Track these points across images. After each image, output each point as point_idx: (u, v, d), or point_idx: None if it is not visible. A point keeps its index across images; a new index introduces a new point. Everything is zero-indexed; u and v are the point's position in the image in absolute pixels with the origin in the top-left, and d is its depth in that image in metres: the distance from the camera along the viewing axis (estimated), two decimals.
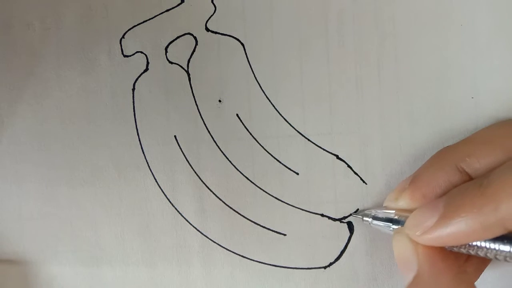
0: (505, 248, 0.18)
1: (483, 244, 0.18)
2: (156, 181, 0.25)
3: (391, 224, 0.22)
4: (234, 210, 0.25)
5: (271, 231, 0.25)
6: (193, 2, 0.25)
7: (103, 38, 0.25)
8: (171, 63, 0.25)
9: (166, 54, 0.25)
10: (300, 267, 0.24)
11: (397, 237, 0.21)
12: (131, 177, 0.25)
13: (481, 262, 0.21)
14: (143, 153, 0.25)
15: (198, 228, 0.25)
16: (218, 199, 0.25)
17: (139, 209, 0.25)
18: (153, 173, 0.25)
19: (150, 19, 0.25)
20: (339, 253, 0.24)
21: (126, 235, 0.25)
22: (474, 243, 0.19)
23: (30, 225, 0.25)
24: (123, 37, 0.25)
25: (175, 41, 0.25)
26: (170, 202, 0.25)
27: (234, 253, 0.25)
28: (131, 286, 0.25)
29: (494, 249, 0.18)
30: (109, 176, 0.25)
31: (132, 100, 0.25)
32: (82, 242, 0.25)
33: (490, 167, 0.19)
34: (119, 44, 0.25)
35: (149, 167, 0.25)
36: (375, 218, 0.23)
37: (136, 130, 0.25)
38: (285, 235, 0.25)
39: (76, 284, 0.25)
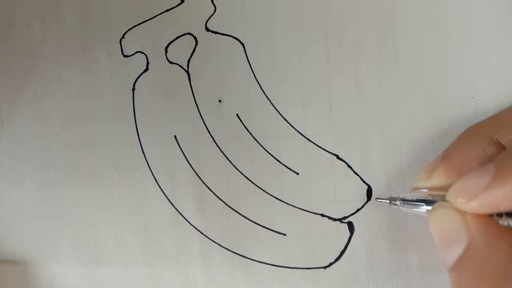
0: None
1: None
2: (156, 181, 0.25)
3: (424, 204, 0.21)
4: (234, 210, 0.25)
5: (271, 231, 0.25)
6: (193, 2, 0.25)
7: (103, 38, 0.25)
8: (171, 63, 0.25)
9: (166, 54, 0.25)
10: (300, 267, 0.24)
11: (438, 212, 0.19)
12: (131, 177, 0.25)
13: None
14: (143, 153, 0.25)
15: (198, 228, 0.25)
16: (218, 199, 0.25)
17: (139, 209, 0.25)
18: (153, 173, 0.25)
19: (150, 19, 0.25)
20: (339, 253, 0.24)
21: (126, 235, 0.25)
22: None
23: (30, 225, 0.25)
24: (123, 37, 0.25)
25: (175, 41, 0.25)
26: (170, 202, 0.25)
27: (234, 253, 0.25)
28: (131, 286, 0.25)
29: None
30: (109, 176, 0.25)
31: (132, 100, 0.25)
32: (82, 242, 0.25)
33: None
34: (119, 44, 0.25)
35: (149, 167, 0.25)
36: (404, 200, 0.22)
37: (136, 130, 0.25)
38: (285, 235, 0.25)
39: (76, 284, 0.25)
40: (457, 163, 0.20)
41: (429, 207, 0.20)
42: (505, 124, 0.20)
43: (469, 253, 0.17)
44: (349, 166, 0.24)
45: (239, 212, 0.25)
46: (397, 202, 0.22)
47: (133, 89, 0.25)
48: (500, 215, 0.18)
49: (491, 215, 0.18)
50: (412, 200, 0.21)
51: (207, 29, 0.25)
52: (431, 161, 0.21)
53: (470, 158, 0.20)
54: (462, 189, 0.18)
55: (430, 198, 0.21)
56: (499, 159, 0.17)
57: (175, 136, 0.25)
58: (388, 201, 0.23)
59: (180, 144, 0.25)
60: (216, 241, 0.25)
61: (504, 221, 0.18)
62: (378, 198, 0.24)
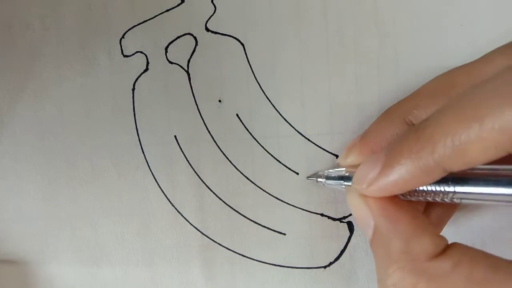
0: (450, 189, 0.18)
1: (429, 188, 0.18)
2: (156, 181, 0.25)
3: (343, 181, 0.22)
4: (234, 210, 0.25)
5: (271, 231, 0.25)
6: (193, 2, 0.25)
7: (103, 38, 0.25)
8: (171, 63, 0.25)
9: (166, 54, 0.25)
10: (300, 266, 0.24)
11: (349, 195, 0.20)
12: (131, 177, 0.25)
13: (441, 209, 0.21)
14: (143, 153, 0.25)
15: (198, 228, 0.25)
16: (218, 198, 0.25)
17: (139, 209, 0.25)
18: (153, 173, 0.25)
19: (150, 19, 0.25)
20: (339, 252, 0.24)
21: (126, 235, 0.25)
22: (421, 189, 0.19)
23: (30, 225, 0.25)
24: (123, 37, 0.25)
25: (175, 41, 0.25)
26: (170, 202, 0.25)
27: (234, 252, 0.25)
28: (131, 286, 0.25)
29: (440, 191, 0.18)
30: (109, 176, 0.25)
31: (132, 100, 0.25)
32: (82, 242, 0.25)
33: None
34: (119, 44, 0.25)
35: (149, 167, 0.25)
36: (328, 178, 0.23)
37: (136, 130, 0.25)
38: (285, 234, 0.25)
39: (76, 284, 0.25)
40: (371, 143, 0.21)
41: (348, 183, 0.21)
42: (417, 104, 0.20)
43: (376, 236, 0.19)
44: None
45: (239, 212, 0.25)
46: (322, 180, 0.23)
47: (133, 89, 0.25)
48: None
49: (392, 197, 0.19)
50: (334, 177, 0.22)
51: (207, 29, 0.25)
52: (351, 140, 0.23)
53: (382, 139, 0.21)
54: (360, 175, 0.19)
55: (347, 174, 0.22)
56: (388, 146, 0.19)
57: (175, 136, 0.25)
58: (315, 178, 0.24)
59: (180, 144, 0.25)
60: (216, 241, 0.25)
61: (406, 197, 0.19)
62: (308, 177, 0.24)
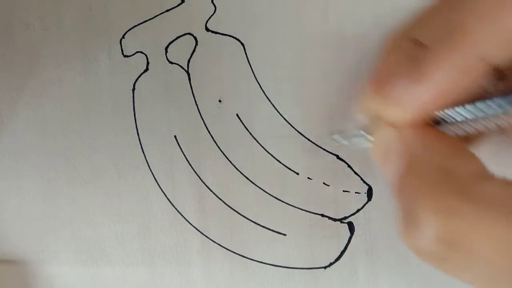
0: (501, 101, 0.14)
1: (473, 109, 0.15)
2: (156, 181, 0.25)
3: (365, 134, 0.20)
4: (234, 210, 0.25)
5: (271, 231, 0.25)
6: (193, 2, 0.25)
7: (103, 38, 0.25)
8: (171, 63, 0.25)
9: (166, 54, 0.25)
10: (300, 267, 0.24)
11: (377, 134, 0.18)
12: (131, 177, 0.25)
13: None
14: (143, 153, 0.25)
15: (198, 228, 0.25)
16: (218, 199, 0.25)
17: (139, 209, 0.25)
18: (153, 173, 0.25)
19: (150, 19, 0.25)
20: (339, 253, 0.24)
21: (126, 235, 0.25)
22: (466, 112, 0.15)
23: (30, 225, 0.25)
24: (123, 37, 0.25)
25: (175, 41, 0.25)
26: (170, 202, 0.25)
27: (234, 253, 0.25)
28: (131, 286, 0.25)
29: (490, 108, 0.15)
30: (109, 176, 0.25)
31: (132, 100, 0.25)
32: (82, 242, 0.25)
33: None
34: (119, 44, 0.25)
35: (149, 167, 0.25)
36: (347, 137, 0.21)
37: (136, 130, 0.25)
38: (285, 235, 0.25)
39: (76, 284, 0.25)
40: (384, 77, 0.17)
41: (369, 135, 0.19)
42: (424, 23, 0.17)
43: (411, 165, 0.16)
44: (349, 166, 0.24)
45: (239, 212, 0.25)
46: (344, 141, 0.21)
47: (133, 89, 0.25)
48: (437, 122, 0.16)
49: (428, 126, 0.16)
50: (355, 135, 0.20)
51: (207, 29, 0.25)
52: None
53: (396, 67, 0.17)
54: (380, 95, 0.16)
55: (368, 123, 0.19)
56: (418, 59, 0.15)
57: (175, 136, 0.25)
58: (339, 140, 0.22)
59: (180, 144, 0.25)
60: (216, 241, 0.25)
61: (442, 128, 0.16)
62: (331, 136, 0.22)
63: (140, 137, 0.25)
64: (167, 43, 0.25)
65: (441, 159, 0.15)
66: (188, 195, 0.25)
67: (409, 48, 0.16)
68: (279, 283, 0.25)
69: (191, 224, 0.25)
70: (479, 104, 0.15)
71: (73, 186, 0.25)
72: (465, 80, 0.15)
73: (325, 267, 0.24)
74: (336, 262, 0.24)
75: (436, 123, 0.16)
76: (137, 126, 0.25)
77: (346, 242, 0.24)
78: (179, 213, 0.25)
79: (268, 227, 0.25)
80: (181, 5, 0.25)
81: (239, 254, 0.25)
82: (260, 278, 0.25)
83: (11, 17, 0.26)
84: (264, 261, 0.25)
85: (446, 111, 0.16)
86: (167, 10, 0.25)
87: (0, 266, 0.25)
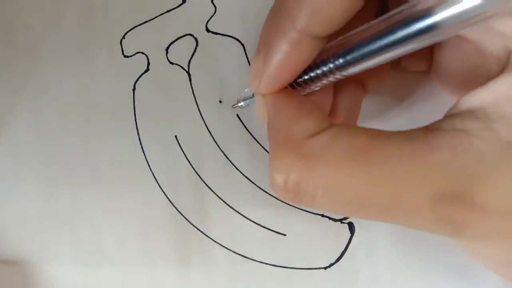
0: (332, 63, 0.17)
1: (315, 73, 0.18)
2: (156, 181, 0.25)
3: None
4: (234, 210, 0.25)
5: (271, 231, 0.25)
6: (194, 3, 0.25)
7: (103, 38, 0.25)
8: (172, 63, 0.25)
9: (166, 55, 0.25)
10: (300, 267, 0.24)
11: (256, 99, 0.20)
12: (131, 177, 0.25)
13: (348, 98, 0.21)
14: (143, 153, 0.25)
15: (198, 228, 0.25)
16: (218, 199, 0.25)
17: (139, 209, 0.25)
18: (153, 173, 0.25)
19: (150, 19, 0.25)
20: (339, 253, 0.24)
21: (126, 235, 0.25)
22: (309, 76, 0.18)
23: (30, 225, 0.25)
24: (123, 37, 0.25)
25: (175, 42, 0.25)
26: (170, 202, 0.25)
27: (234, 252, 0.25)
28: (131, 286, 0.25)
29: (327, 70, 0.18)
30: (109, 176, 0.25)
31: (132, 100, 0.25)
32: (82, 242, 0.25)
33: None
34: (120, 45, 0.25)
35: (149, 167, 0.25)
36: (244, 99, 0.23)
37: (136, 130, 0.25)
38: (285, 235, 0.25)
39: (76, 284, 0.25)
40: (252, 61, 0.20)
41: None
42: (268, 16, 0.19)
43: (268, 126, 0.18)
44: None
45: (239, 212, 0.25)
46: (241, 103, 0.23)
47: (134, 90, 0.25)
48: (301, 82, 0.19)
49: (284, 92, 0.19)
50: (247, 98, 0.22)
51: (208, 30, 0.25)
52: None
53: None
54: (252, 75, 0.19)
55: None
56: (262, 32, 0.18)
57: (175, 136, 0.25)
58: (236, 104, 0.23)
59: (180, 144, 0.25)
60: (216, 241, 0.25)
61: (303, 90, 0.19)
62: (233, 106, 0.24)
63: (140, 137, 0.25)
64: (168, 44, 0.25)
65: (284, 122, 0.18)
66: (189, 195, 0.25)
67: (261, 35, 0.19)
68: (279, 284, 0.24)
69: (191, 224, 0.25)
70: (314, 68, 0.18)
71: (73, 186, 0.25)
72: (297, 52, 0.17)
73: (325, 268, 0.24)
74: (337, 263, 0.24)
75: (299, 84, 0.19)
76: (137, 126, 0.25)
77: (347, 242, 0.24)
78: (180, 213, 0.25)
79: (268, 227, 0.25)
80: (181, 6, 0.25)
81: (239, 254, 0.25)
82: (260, 278, 0.24)
83: (11, 17, 0.26)
84: (264, 261, 0.25)
85: (304, 74, 0.18)
86: (168, 11, 0.25)
87: (0, 266, 0.25)
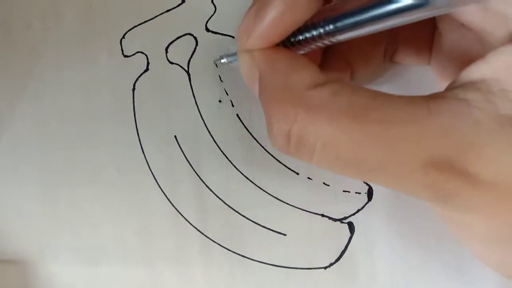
0: (327, 28, 0.17)
1: (309, 35, 0.18)
2: (156, 181, 0.25)
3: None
4: (234, 210, 0.25)
5: (271, 231, 0.25)
6: (193, 3, 0.25)
7: (103, 38, 0.25)
8: (172, 63, 0.25)
9: (166, 55, 0.25)
10: (300, 267, 0.24)
11: (239, 57, 0.20)
12: (131, 177, 0.25)
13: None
14: (143, 153, 0.25)
15: (198, 228, 0.25)
16: (218, 199, 0.25)
17: (139, 209, 0.25)
18: (153, 173, 0.25)
19: (150, 19, 0.25)
20: (339, 253, 0.24)
21: (126, 235, 0.25)
22: (302, 37, 0.18)
23: (30, 225, 0.25)
24: (123, 37, 0.25)
25: (175, 42, 0.25)
26: (170, 202, 0.25)
27: (234, 253, 0.25)
28: (131, 286, 0.25)
29: (319, 34, 0.17)
30: (109, 176, 0.25)
31: (132, 100, 0.25)
32: (82, 242, 0.25)
33: None
34: (120, 44, 0.25)
35: (149, 167, 0.25)
36: (226, 55, 0.22)
37: (136, 130, 0.25)
38: (285, 235, 0.25)
39: (76, 284, 0.25)
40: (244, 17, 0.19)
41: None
42: None
43: (261, 86, 0.18)
44: None
45: (239, 212, 0.25)
46: (225, 60, 0.22)
47: (133, 89, 0.25)
48: (291, 43, 0.19)
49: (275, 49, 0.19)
50: (230, 54, 0.22)
51: (208, 30, 0.25)
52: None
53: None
54: (241, 31, 0.18)
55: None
56: None
57: (175, 136, 0.25)
58: (219, 60, 0.23)
59: (180, 144, 0.25)
60: (216, 241, 0.25)
61: (295, 49, 0.19)
62: (215, 61, 0.24)
63: (140, 137, 0.25)
64: (168, 43, 0.25)
65: (280, 75, 0.17)
66: (188, 195, 0.25)
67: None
68: (279, 284, 0.24)
69: (191, 224, 0.25)
70: (304, 30, 0.18)
71: (73, 186, 0.25)
72: (292, 11, 0.17)
73: (325, 268, 0.24)
74: (336, 263, 0.24)
75: (287, 45, 0.19)
76: (137, 126, 0.25)
77: (346, 242, 0.24)
78: (179, 213, 0.25)
79: (268, 227, 0.25)
80: (181, 6, 0.25)
81: (239, 254, 0.25)
82: (260, 278, 0.24)
83: (11, 17, 0.26)
84: (264, 261, 0.25)
85: (293, 35, 0.18)
86: (168, 11, 0.25)
87: (0, 266, 0.25)
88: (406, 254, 0.24)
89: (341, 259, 0.24)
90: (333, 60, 0.21)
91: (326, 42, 0.18)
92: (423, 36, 0.21)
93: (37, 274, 0.25)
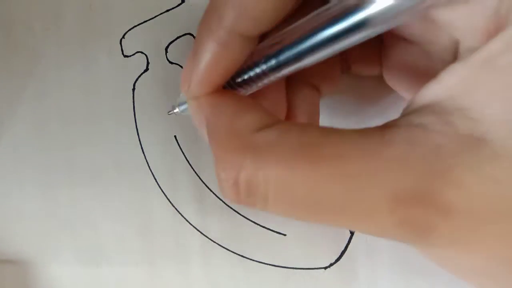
0: (265, 65, 0.17)
1: (252, 73, 0.17)
2: (156, 181, 0.25)
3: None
4: (234, 210, 0.25)
5: (271, 231, 0.25)
6: (193, 2, 0.25)
7: (103, 38, 0.25)
8: (172, 63, 0.25)
9: (166, 54, 0.25)
10: (300, 267, 0.24)
11: (188, 104, 0.19)
12: (131, 177, 0.25)
13: (303, 99, 0.20)
14: (143, 153, 0.25)
15: (198, 228, 0.25)
16: (218, 199, 0.25)
17: (139, 209, 0.25)
18: (153, 173, 0.25)
19: (150, 19, 0.25)
20: (339, 253, 0.24)
21: (126, 235, 0.25)
22: (247, 77, 0.17)
23: (30, 225, 0.25)
24: (123, 37, 0.25)
25: (175, 41, 0.25)
26: (170, 202, 0.25)
27: (234, 253, 0.25)
28: (131, 286, 0.25)
29: (262, 72, 0.17)
30: (109, 176, 0.25)
31: (132, 100, 0.25)
32: (82, 242, 0.25)
33: None
34: (119, 44, 0.25)
35: (149, 167, 0.25)
36: (180, 104, 0.21)
37: (136, 130, 0.25)
38: (285, 235, 0.25)
39: (76, 284, 0.25)
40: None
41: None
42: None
43: (208, 131, 0.17)
44: None
45: (239, 212, 0.25)
46: (176, 109, 0.22)
47: (133, 89, 0.25)
48: (237, 84, 0.18)
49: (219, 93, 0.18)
50: (182, 103, 0.21)
51: None
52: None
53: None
54: (183, 77, 0.18)
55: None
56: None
57: (175, 136, 0.25)
58: (172, 110, 0.22)
59: (180, 144, 0.25)
60: (216, 241, 0.25)
61: (241, 90, 0.18)
62: (169, 112, 0.23)
63: (140, 137, 0.25)
64: (167, 43, 0.25)
65: (225, 120, 0.17)
66: (188, 195, 0.25)
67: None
68: (279, 284, 0.24)
69: (191, 224, 0.25)
70: (247, 69, 0.17)
71: (73, 186, 0.25)
72: (226, 52, 0.16)
73: (325, 268, 0.24)
74: (336, 263, 0.24)
75: (234, 86, 0.18)
76: (137, 126, 0.25)
77: (346, 242, 0.24)
78: (179, 213, 0.25)
79: (268, 227, 0.25)
80: (181, 5, 0.25)
81: (239, 254, 0.25)
82: (260, 278, 0.24)
83: (11, 18, 0.26)
84: (264, 261, 0.25)
85: (238, 75, 0.18)
86: (167, 10, 0.25)
87: (0, 266, 0.25)
88: (406, 255, 0.24)
89: (341, 259, 0.24)
90: (298, 85, 0.20)
91: (272, 78, 0.17)
92: (372, 50, 0.21)
93: (37, 274, 0.25)
